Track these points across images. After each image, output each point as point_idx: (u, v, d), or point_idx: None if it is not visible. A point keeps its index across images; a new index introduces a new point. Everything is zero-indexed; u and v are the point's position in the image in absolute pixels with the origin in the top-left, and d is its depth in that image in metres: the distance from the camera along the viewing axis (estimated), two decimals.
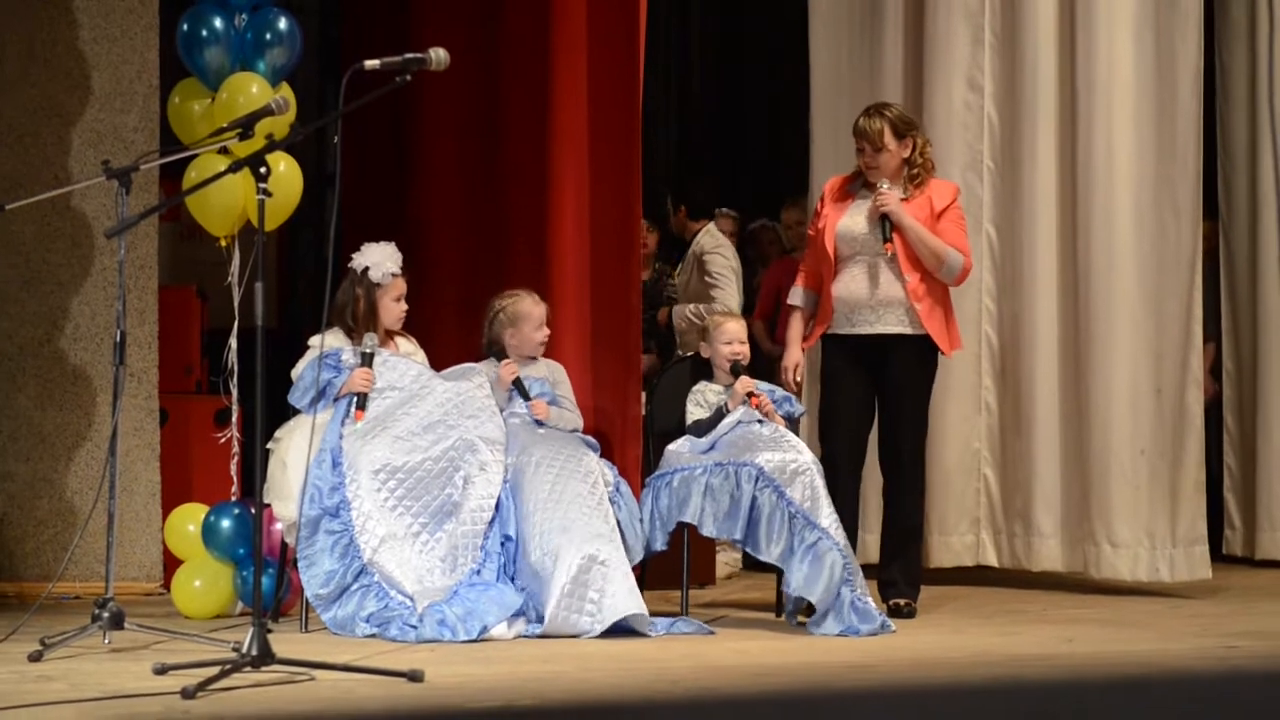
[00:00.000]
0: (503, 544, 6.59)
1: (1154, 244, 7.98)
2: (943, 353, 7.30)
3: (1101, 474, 7.95)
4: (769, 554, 6.68)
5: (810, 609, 6.68)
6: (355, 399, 6.73)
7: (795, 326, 7.41)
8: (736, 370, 7.16)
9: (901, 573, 7.22)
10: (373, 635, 6.30)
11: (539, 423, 7.02)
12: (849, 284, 7.23)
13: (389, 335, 7.03)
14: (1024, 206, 8.22)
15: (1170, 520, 7.93)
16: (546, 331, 7.18)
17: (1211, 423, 8.92)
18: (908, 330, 7.20)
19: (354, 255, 6.96)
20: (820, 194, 7.47)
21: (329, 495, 6.52)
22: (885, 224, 7.11)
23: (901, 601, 7.14)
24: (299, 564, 6.51)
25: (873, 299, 7.18)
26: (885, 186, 7.14)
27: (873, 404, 7.27)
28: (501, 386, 7.05)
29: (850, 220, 7.25)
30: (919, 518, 7.41)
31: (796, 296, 7.46)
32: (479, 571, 6.49)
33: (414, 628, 6.24)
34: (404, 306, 6.98)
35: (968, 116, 8.39)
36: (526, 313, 7.15)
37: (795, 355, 7.37)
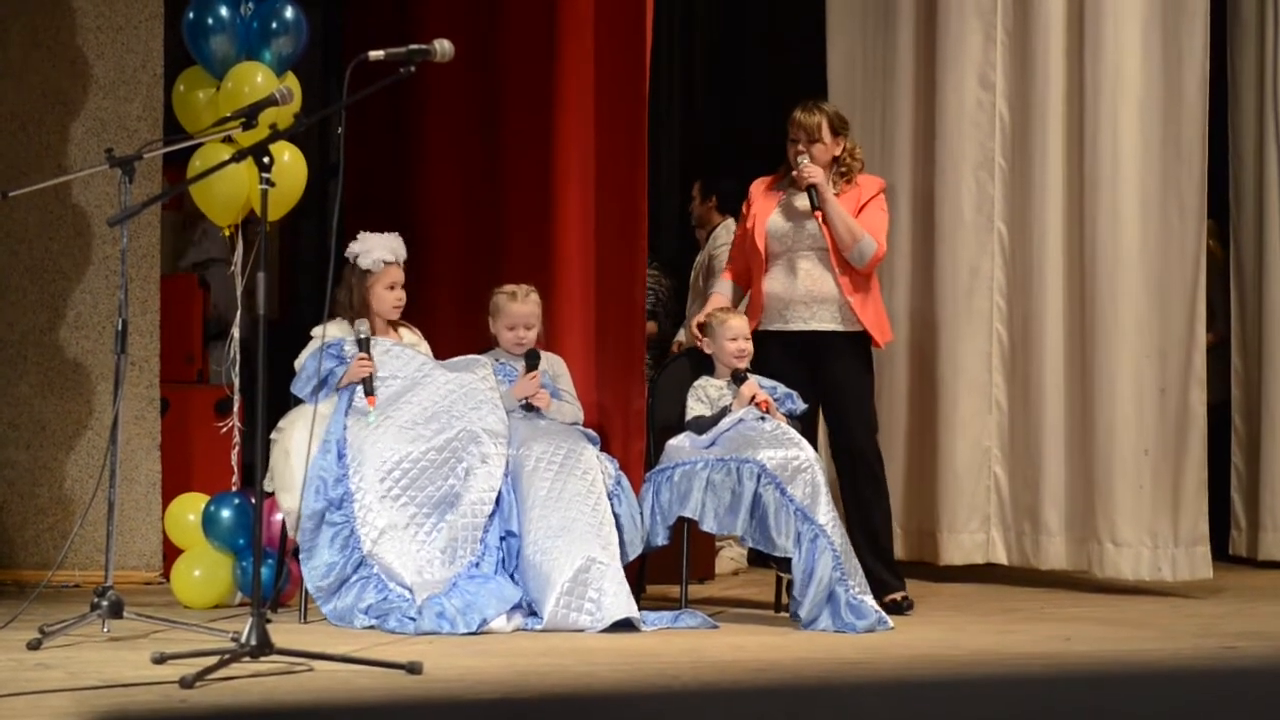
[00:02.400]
0: (503, 539, 6.59)
1: (1159, 243, 7.97)
2: (876, 345, 7.41)
3: (1106, 473, 7.94)
4: (781, 545, 6.67)
5: None
6: (363, 386, 6.73)
7: (714, 302, 7.52)
8: (741, 377, 7.15)
9: (886, 568, 7.23)
10: (371, 627, 6.30)
11: (538, 413, 7.02)
12: (781, 280, 7.34)
13: (392, 326, 7.03)
14: (1034, 205, 8.22)
15: (1173, 520, 7.92)
16: (523, 335, 7.13)
17: (1219, 423, 8.91)
18: (840, 327, 7.30)
19: (350, 244, 6.97)
20: (748, 195, 7.54)
21: (333, 486, 6.52)
22: (811, 194, 7.22)
23: (898, 597, 7.15)
24: (300, 555, 6.50)
25: (806, 295, 7.29)
26: (806, 160, 7.25)
27: (813, 400, 7.33)
28: (515, 395, 7.01)
29: (779, 217, 7.38)
30: (885, 508, 7.45)
31: (722, 286, 7.62)
32: (478, 564, 6.49)
33: (413, 620, 6.24)
34: (399, 295, 6.95)
35: (979, 114, 8.39)
36: (506, 309, 7.14)
37: (706, 310, 7.46)
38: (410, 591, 6.33)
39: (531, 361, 7.09)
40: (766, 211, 7.39)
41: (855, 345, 7.33)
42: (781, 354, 7.34)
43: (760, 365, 7.38)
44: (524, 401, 7.01)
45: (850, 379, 7.33)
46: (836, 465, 7.42)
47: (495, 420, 6.78)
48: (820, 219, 7.22)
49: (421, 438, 6.62)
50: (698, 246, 9.65)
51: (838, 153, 7.36)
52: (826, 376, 7.32)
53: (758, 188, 7.51)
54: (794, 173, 7.30)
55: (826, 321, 7.29)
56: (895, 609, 7.03)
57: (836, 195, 7.29)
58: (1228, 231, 9.52)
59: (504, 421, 6.81)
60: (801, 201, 7.31)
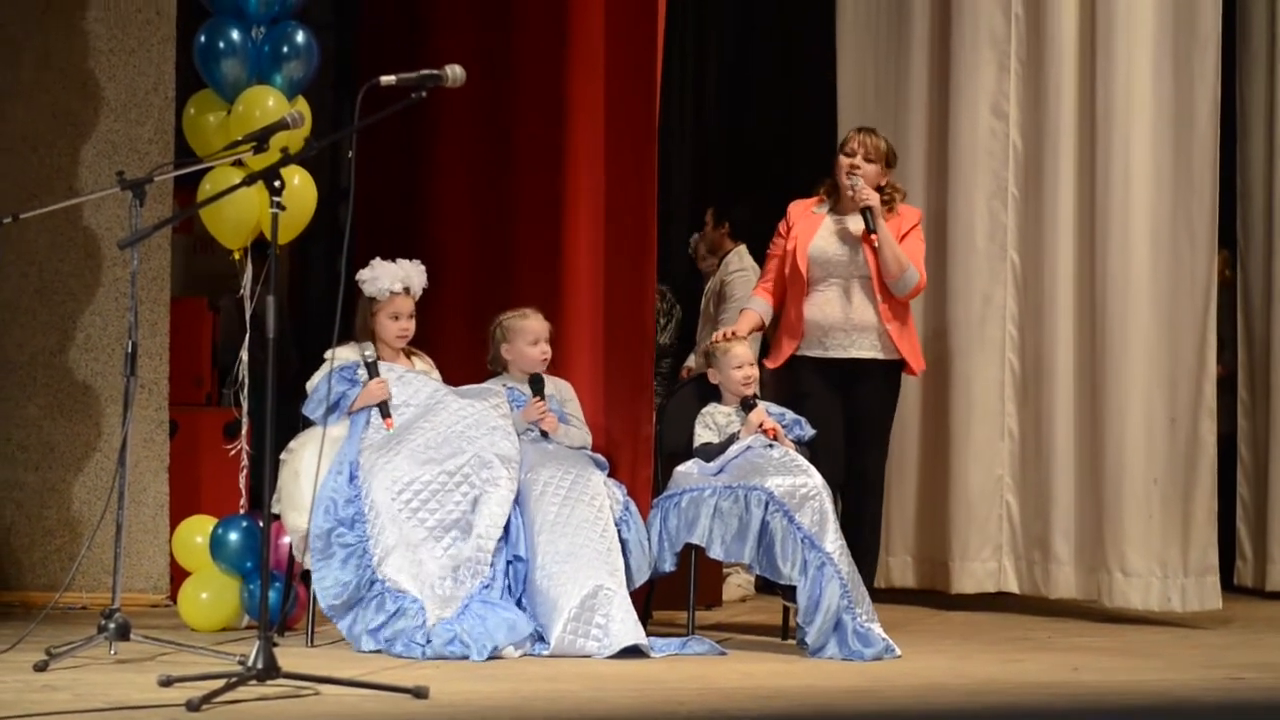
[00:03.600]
0: (510, 564, 6.58)
1: (1169, 272, 7.96)
2: (911, 373, 7.49)
3: (1115, 502, 7.93)
4: (787, 574, 6.66)
5: None
6: (379, 409, 6.74)
7: (747, 319, 7.55)
8: (749, 404, 7.15)
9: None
10: (378, 651, 6.29)
11: (546, 437, 7.02)
12: (822, 306, 7.40)
13: (404, 354, 7.03)
14: (1046, 233, 8.22)
15: (1182, 550, 7.90)
16: (545, 349, 7.16)
17: (1225, 455, 8.90)
18: (880, 355, 7.40)
19: (361, 270, 6.98)
20: (785, 215, 7.58)
21: (344, 507, 6.52)
22: (866, 215, 7.27)
23: None
24: (313, 574, 6.50)
25: (846, 323, 7.36)
26: (859, 184, 7.30)
27: (845, 426, 7.37)
28: (524, 419, 7.03)
29: (823, 241, 7.44)
30: (877, 539, 7.47)
31: (757, 304, 7.65)
32: (488, 586, 6.48)
33: (420, 645, 6.23)
34: (403, 325, 6.94)
35: (993, 144, 8.40)
36: (522, 328, 7.15)
37: (736, 328, 7.49)
38: (421, 604, 6.32)
39: (536, 385, 7.10)
40: (809, 234, 7.43)
41: (889, 374, 7.44)
42: (817, 379, 7.38)
43: (794, 389, 7.40)
44: (532, 426, 7.01)
45: (877, 408, 7.43)
46: (843, 495, 7.42)
47: (507, 446, 6.78)
48: (874, 242, 7.23)
49: (433, 461, 6.62)
50: (699, 274, 9.69)
51: (883, 183, 7.46)
52: (856, 403, 7.39)
53: (797, 209, 7.55)
54: (850, 192, 7.32)
55: (865, 349, 7.37)
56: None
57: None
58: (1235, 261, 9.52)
59: (515, 447, 6.81)
60: (855, 225, 7.33)
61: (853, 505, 7.40)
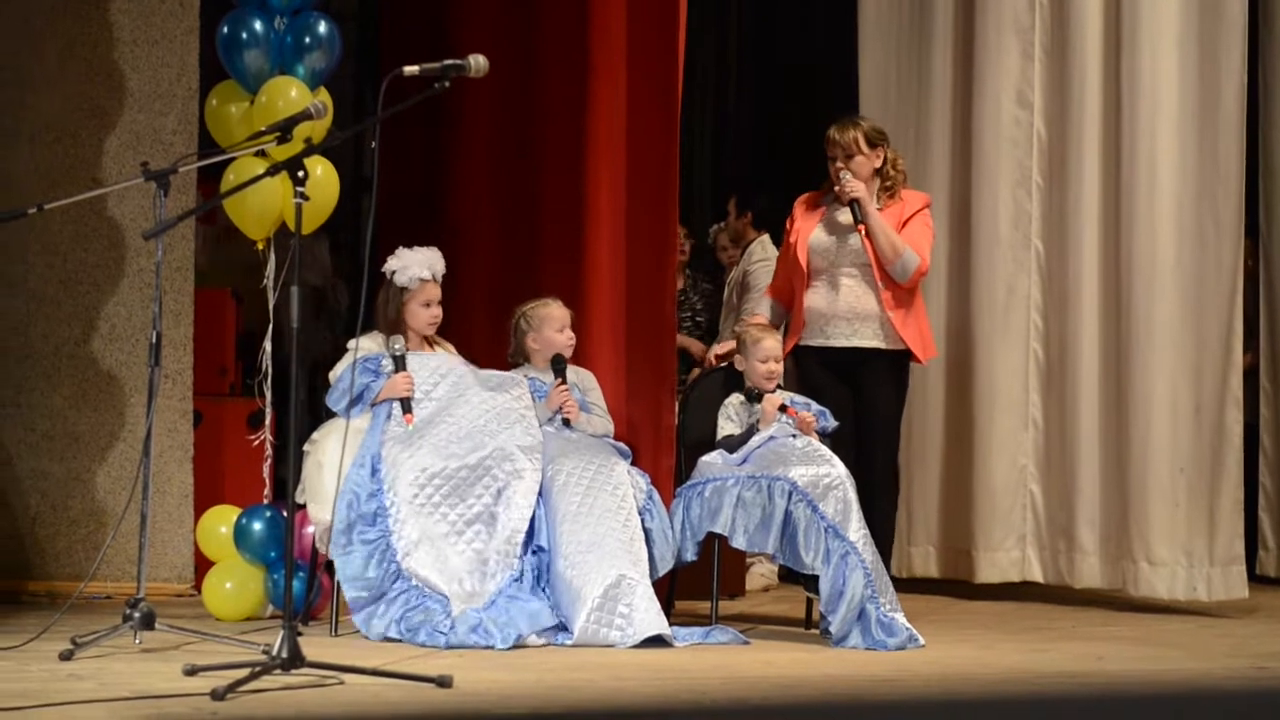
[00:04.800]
0: (534, 553, 6.59)
1: (1195, 260, 7.94)
2: (918, 362, 7.42)
3: (1141, 492, 7.91)
4: (809, 564, 6.66)
5: None
6: (402, 404, 6.74)
7: (755, 321, 7.53)
8: (755, 395, 7.13)
9: None
10: (399, 639, 6.29)
11: (569, 425, 7.02)
12: (823, 295, 7.39)
13: (428, 342, 7.03)
14: (1071, 222, 8.21)
15: (1208, 539, 7.89)
16: (571, 335, 7.17)
17: (1248, 444, 8.86)
18: (883, 345, 7.34)
19: (389, 259, 6.98)
20: (791, 212, 7.56)
21: (366, 501, 6.52)
22: (854, 208, 7.28)
23: None
24: (335, 565, 6.51)
25: (848, 311, 7.33)
26: (848, 176, 7.30)
27: (853, 415, 7.34)
28: (549, 407, 7.03)
29: (822, 233, 7.42)
30: (891, 528, 7.44)
31: (763, 306, 7.66)
32: (519, 578, 6.48)
33: (443, 634, 6.23)
34: (435, 312, 6.96)
35: (1017, 132, 8.39)
36: (546, 315, 7.16)
37: (729, 346, 7.54)
38: (446, 598, 6.33)
39: (558, 366, 7.10)
40: (809, 227, 7.43)
41: (894, 365, 7.36)
42: (820, 370, 7.37)
43: (799, 380, 7.39)
44: (556, 414, 7.01)
45: (882, 403, 7.37)
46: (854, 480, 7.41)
47: (530, 439, 6.78)
48: (863, 232, 7.23)
49: (455, 455, 6.62)
50: (719, 264, 9.66)
51: (878, 164, 7.41)
52: (862, 398, 7.37)
53: (800, 204, 7.55)
54: (836, 188, 7.33)
55: (868, 338, 7.33)
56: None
57: (879, 210, 7.33)
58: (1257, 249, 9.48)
59: (539, 440, 6.81)
60: (845, 216, 7.34)
61: (862, 502, 7.33)
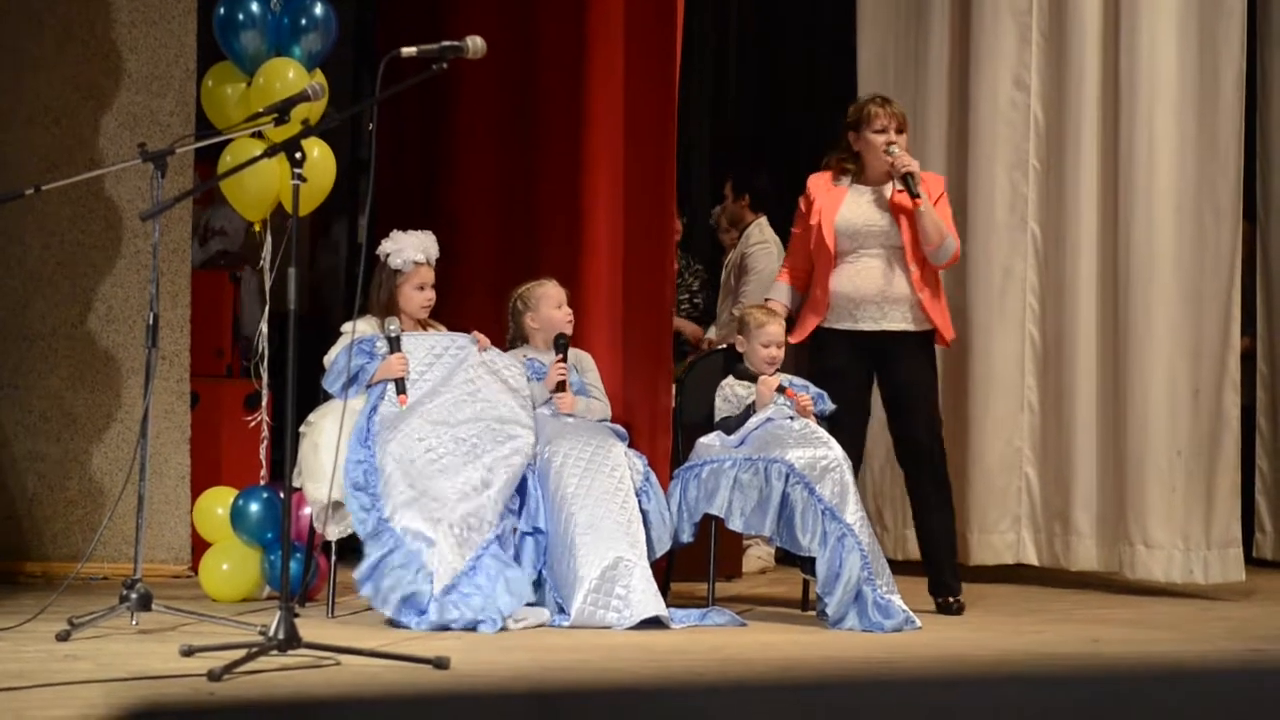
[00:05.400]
0: (530, 535, 6.58)
1: (1194, 244, 7.94)
2: (943, 344, 7.37)
3: (1138, 474, 7.92)
4: (806, 545, 6.66)
5: None
6: (395, 385, 6.73)
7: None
8: (747, 375, 7.12)
9: (951, 570, 7.25)
10: (371, 596, 6.26)
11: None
12: (853, 278, 7.23)
13: (422, 325, 7.03)
14: (1068, 205, 8.20)
15: (1205, 522, 7.90)
16: (569, 311, 7.15)
17: (1244, 427, 8.87)
18: (911, 327, 7.23)
19: (382, 242, 6.97)
20: (805, 190, 7.42)
21: (355, 468, 6.51)
22: (909, 180, 7.12)
23: (951, 599, 7.14)
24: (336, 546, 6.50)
25: (879, 295, 7.19)
26: (897, 150, 7.17)
27: (870, 399, 7.29)
28: (548, 385, 7.03)
29: (850, 213, 7.25)
30: (948, 510, 7.40)
31: (779, 292, 7.48)
32: (500, 538, 6.45)
33: (422, 612, 6.19)
34: (428, 295, 6.95)
35: (1013, 115, 8.37)
36: (543, 294, 7.15)
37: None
38: (430, 544, 6.26)
39: (561, 344, 7.09)
40: (834, 207, 7.26)
41: (922, 343, 7.27)
42: (846, 352, 7.24)
43: (823, 362, 7.32)
44: (554, 393, 7.01)
45: (917, 377, 7.25)
46: (902, 466, 7.39)
47: (521, 412, 6.78)
48: (917, 207, 7.12)
49: (445, 424, 6.62)
50: (719, 247, 9.61)
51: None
52: (893, 375, 7.26)
53: (817, 182, 7.36)
54: (890, 159, 7.14)
55: (897, 321, 7.21)
56: (947, 609, 7.04)
57: (899, 193, 7.20)
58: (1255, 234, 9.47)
59: (530, 413, 6.81)
60: (883, 195, 7.18)
61: (920, 480, 7.29)
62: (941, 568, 7.23)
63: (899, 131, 7.23)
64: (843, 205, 7.26)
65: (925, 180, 7.26)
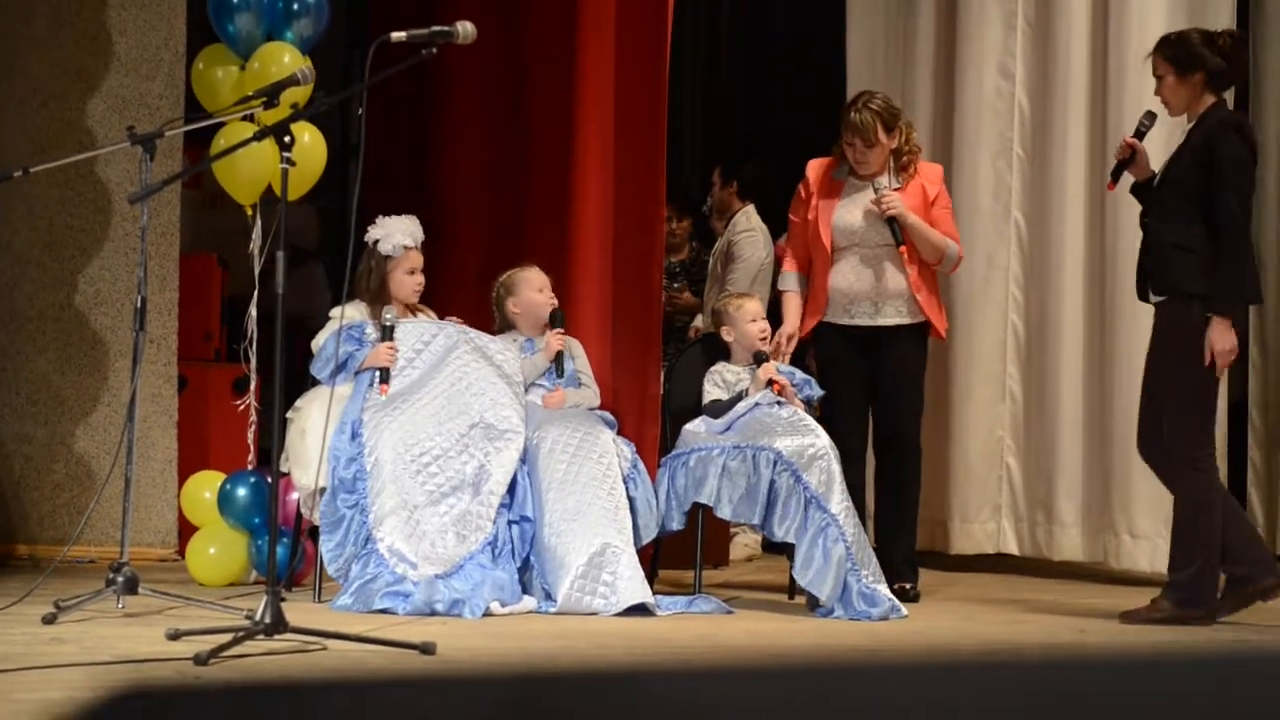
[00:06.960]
0: (517, 523, 6.58)
1: None
2: (938, 337, 7.35)
3: (1123, 465, 7.92)
4: (781, 532, 6.66)
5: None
6: (380, 373, 6.73)
7: (793, 303, 7.39)
8: (762, 357, 7.14)
9: (905, 558, 7.23)
10: (349, 605, 6.25)
11: (561, 375, 7.04)
12: (847, 276, 7.22)
13: (410, 310, 7.03)
14: (1053, 195, 8.21)
15: None
16: (552, 296, 7.15)
17: (1236, 417, 8.88)
18: (906, 320, 7.22)
19: (370, 228, 6.97)
20: (804, 177, 7.37)
21: (345, 466, 6.51)
22: (894, 226, 7.08)
23: (907, 586, 7.13)
24: (320, 533, 6.49)
25: (874, 293, 7.18)
26: (883, 186, 7.10)
27: (869, 389, 7.29)
28: (546, 355, 7.03)
29: (845, 213, 7.22)
30: (917, 501, 7.41)
31: (789, 281, 7.44)
32: (492, 542, 6.46)
33: (406, 596, 6.18)
34: (419, 280, 6.95)
35: (999, 103, 8.38)
36: (523, 278, 7.16)
37: (793, 324, 7.35)
38: (414, 566, 6.26)
39: (556, 319, 7.09)
40: (830, 204, 7.23)
41: (916, 335, 7.27)
42: (841, 345, 7.25)
43: (823, 356, 7.34)
44: (548, 369, 7.01)
45: (908, 366, 7.25)
46: (877, 450, 7.38)
47: (515, 406, 6.77)
48: (901, 254, 7.08)
49: (436, 419, 6.62)
50: (712, 234, 9.58)
51: (894, 146, 7.21)
52: (882, 364, 7.25)
53: (815, 170, 7.33)
54: (874, 198, 7.11)
55: (891, 316, 7.20)
56: (904, 596, 7.04)
57: (899, 190, 7.14)
58: None
59: (523, 407, 6.81)
60: (867, 195, 7.13)
61: (893, 465, 7.31)
62: (906, 558, 7.22)
63: (869, 146, 7.12)
64: (839, 205, 7.25)
65: (921, 172, 7.25)
